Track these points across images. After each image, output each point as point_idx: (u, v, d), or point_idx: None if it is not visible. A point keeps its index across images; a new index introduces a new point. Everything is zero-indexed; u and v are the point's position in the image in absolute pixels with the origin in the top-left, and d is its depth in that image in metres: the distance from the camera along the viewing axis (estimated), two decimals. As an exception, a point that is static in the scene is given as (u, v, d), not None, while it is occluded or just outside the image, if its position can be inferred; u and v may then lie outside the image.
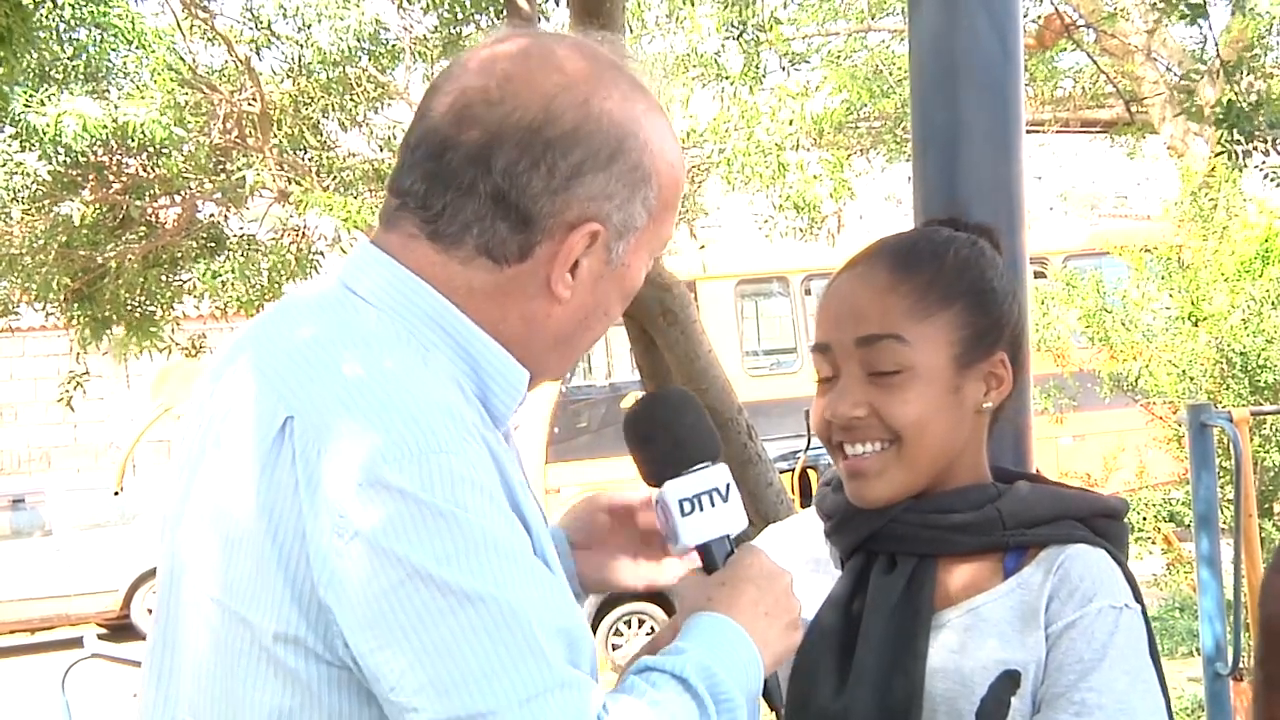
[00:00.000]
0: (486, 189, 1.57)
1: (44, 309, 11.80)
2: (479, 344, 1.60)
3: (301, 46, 11.43)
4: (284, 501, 1.46)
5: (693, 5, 11.40)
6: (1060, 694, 1.74)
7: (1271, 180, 7.45)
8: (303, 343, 1.55)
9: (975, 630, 1.81)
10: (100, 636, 12.53)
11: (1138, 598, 1.81)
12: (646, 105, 1.65)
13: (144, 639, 1.70)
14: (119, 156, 11.25)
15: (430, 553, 1.41)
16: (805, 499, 12.55)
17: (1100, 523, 1.89)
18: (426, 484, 1.42)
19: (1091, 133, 19.52)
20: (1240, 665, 4.52)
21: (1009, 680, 1.77)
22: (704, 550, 1.73)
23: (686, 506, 1.72)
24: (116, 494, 17.14)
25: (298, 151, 11.95)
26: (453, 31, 10.65)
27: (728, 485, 1.73)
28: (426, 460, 1.43)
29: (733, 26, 9.96)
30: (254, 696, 1.49)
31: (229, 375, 1.60)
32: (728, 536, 1.73)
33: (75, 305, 11.47)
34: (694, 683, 1.52)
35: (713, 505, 1.72)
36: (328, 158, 12.09)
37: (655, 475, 1.76)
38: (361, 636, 1.43)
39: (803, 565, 1.99)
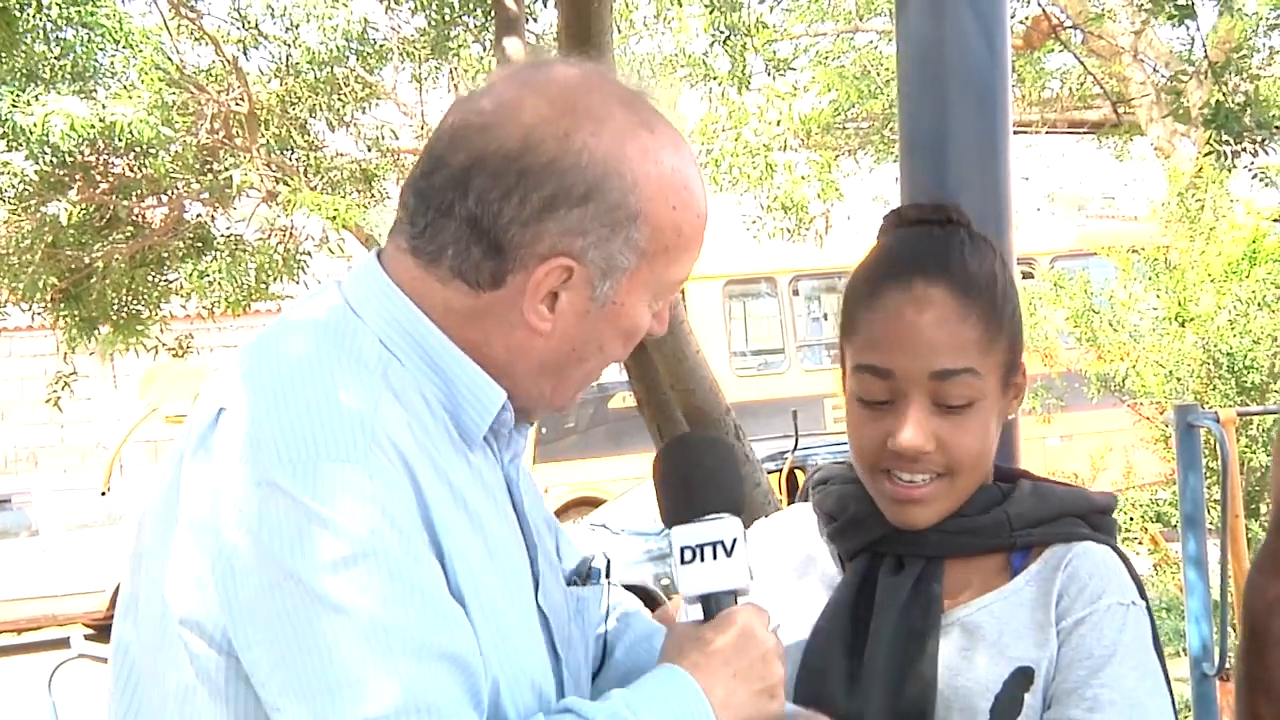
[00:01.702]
0: (462, 213, 1.57)
1: (31, 309, 11.77)
2: (449, 359, 1.60)
3: (289, 46, 11.43)
4: (201, 490, 1.48)
5: (680, 6, 11.40)
6: (1072, 690, 1.75)
7: (1260, 180, 7.48)
8: (271, 347, 1.57)
9: (986, 628, 1.82)
10: (87, 637, 12.50)
11: (1142, 594, 1.83)
12: (651, 145, 1.61)
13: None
14: (106, 156, 11.24)
15: (306, 558, 1.41)
16: (793, 499, 12.50)
17: (1096, 519, 1.90)
18: (316, 491, 1.42)
19: (1079, 134, 19.58)
20: (1226, 666, 4.53)
21: (1023, 677, 1.78)
22: (704, 601, 1.69)
23: (687, 555, 1.67)
24: (103, 494, 17.12)
25: (285, 151, 11.95)
26: (440, 32, 10.63)
27: (734, 540, 1.67)
28: (320, 468, 1.43)
29: (719, 30, 9.96)
30: (168, 673, 1.51)
31: (219, 373, 1.62)
32: (733, 593, 1.68)
33: (62, 305, 11.46)
34: None
35: (714, 558, 1.66)
36: (315, 157, 12.10)
37: (668, 518, 1.72)
38: (239, 630, 1.45)
39: (795, 563, 1.99)
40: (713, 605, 1.68)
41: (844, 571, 1.94)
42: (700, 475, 1.72)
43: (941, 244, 1.87)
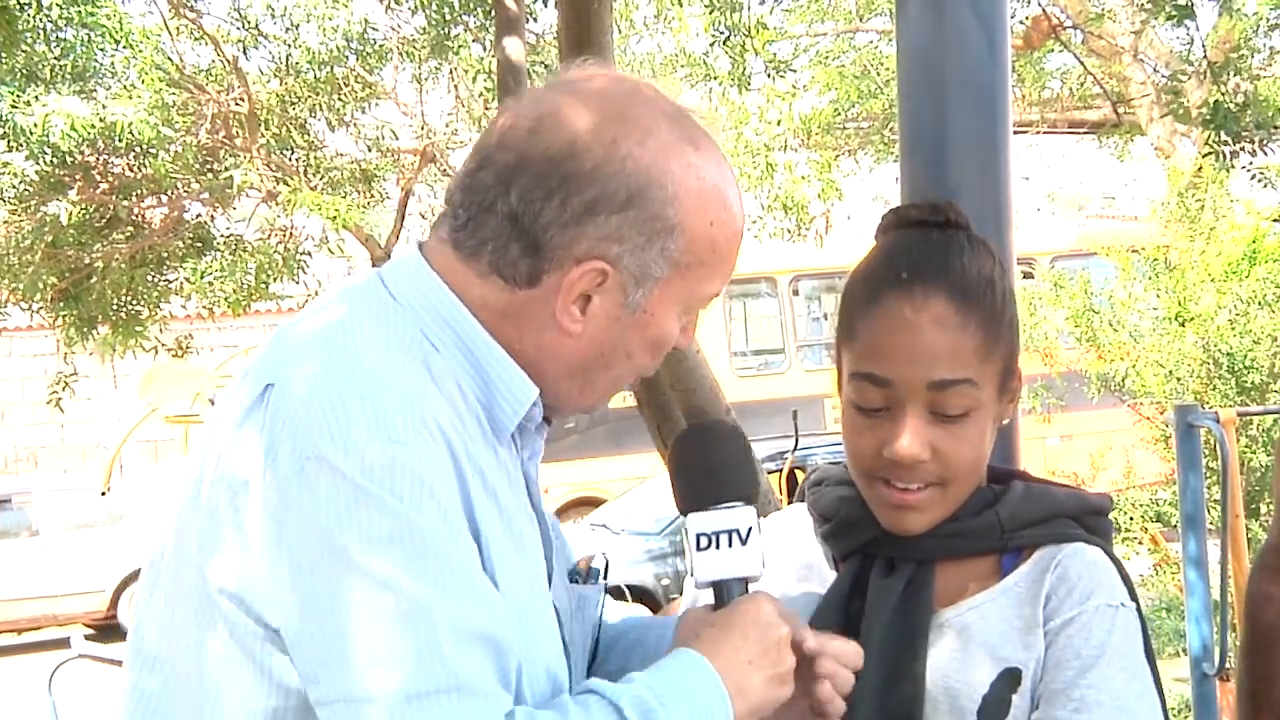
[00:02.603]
0: (504, 210, 1.60)
1: (30, 309, 11.77)
2: (486, 351, 1.63)
3: (289, 46, 11.42)
4: (246, 464, 1.50)
5: (680, 6, 11.40)
6: (1059, 690, 1.75)
7: (1259, 181, 7.47)
8: (316, 325, 1.61)
9: (975, 629, 1.83)
10: (87, 637, 12.51)
11: (1133, 596, 1.83)
12: (694, 160, 1.64)
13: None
14: (106, 156, 11.23)
15: (354, 533, 1.44)
16: (793, 499, 12.51)
17: (1090, 520, 1.90)
18: (367, 469, 1.45)
19: (1079, 134, 19.57)
20: (1227, 666, 4.53)
21: (1010, 678, 1.78)
22: (716, 588, 1.72)
23: (703, 542, 1.70)
24: (103, 494, 17.11)
25: (285, 151, 11.94)
26: (440, 32, 10.63)
27: (750, 529, 1.71)
28: (373, 447, 1.46)
29: (719, 30, 9.95)
30: (203, 644, 1.53)
31: (260, 350, 1.66)
32: (744, 580, 1.71)
33: (62, 305, 11.45)
34: (627, 714, 1.51)
35: (729, 546, 1.70)
36: (315, 157, 12.09)
37: (684, 505, 1.75)
38: (279, 601, 1.47)
39: (795, 569, 1.99)
40: (725, 593, 1.71)
41: (837, 572, 1.95)
42: (719, 464, 1.75)
43: (941, 249, 1.86)
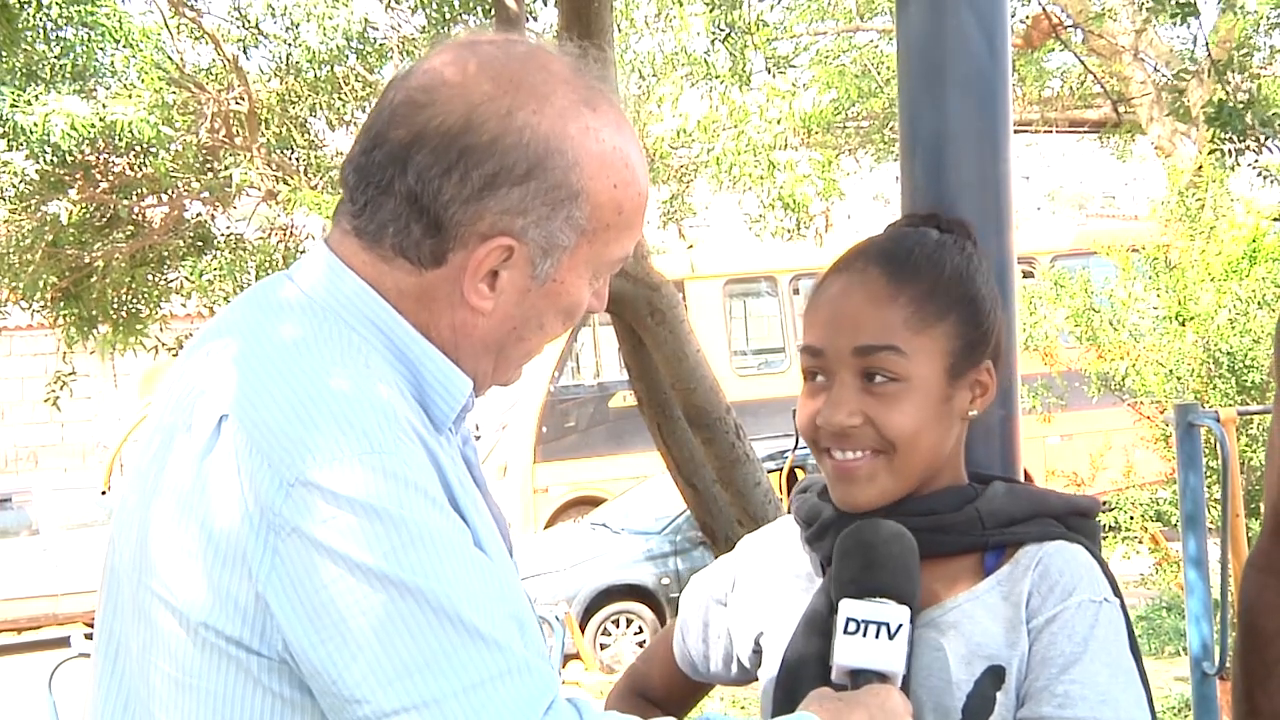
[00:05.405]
0: (402, 190, 1.57)
1: (30, 308, 11.77)
2: (417, 349, 1.60)
3: (289, 45, 11.41)
4: (219, 499, 1.47)
5: (680, 5, 11.40)
6: (1043, 687, 1.77)
7: (1264, 177, 7.48)
8: (250, 343, 1.57)
9: (959, 628, 1.83)
10: (87, 636, 12.49)
11: (1116, 591, 1.84)
12: (593, 123, 1.61)
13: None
14: (106, 156, 11.22)
15: (367, 548, 1.42)
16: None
17: (1074, 520, 1.91)
18: (359, 484, 1.43)
19: (1079, 133, 19.58)
20: (1227, 665, 4.53)
21: (994, 676, 1.79)
22: (853, 676, 1.74)
23: (851, 626, 1.73)
24: (104, 493, 17.11)
25: (285, 150, 11.93)
26: (441, 31, 10.63)
27: (899, 626, 1.72)
28: (358, 461, 1.44)
29: (719, 28, 9.94)
30: (199, 684, 1.50)
31: (185, 373, 1.61)
32: (883, 675, 1.73)
33: (62, 304, 11.45)
34: None
35: (875, 637, 1.72)
36: (315, 156, 12.08)
37: (838, 590, 1.78)
38: (301, 631, 1.44)
39: (788, 578, 2.00)
40: (859, 681, 1.73)
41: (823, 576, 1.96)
42: (879, 556, 1.78)
43: (899, 237, 1.93)
